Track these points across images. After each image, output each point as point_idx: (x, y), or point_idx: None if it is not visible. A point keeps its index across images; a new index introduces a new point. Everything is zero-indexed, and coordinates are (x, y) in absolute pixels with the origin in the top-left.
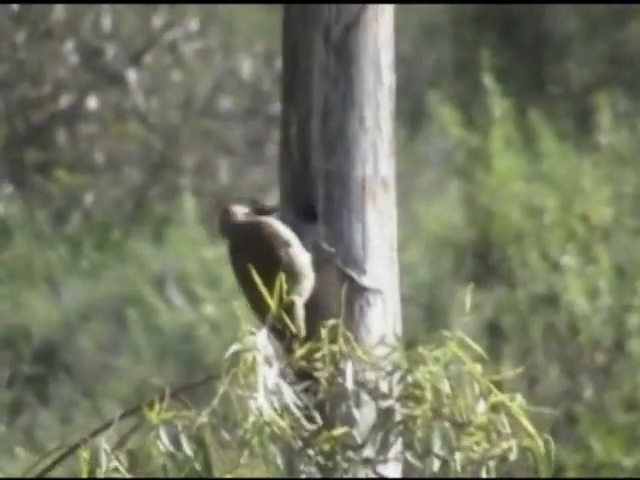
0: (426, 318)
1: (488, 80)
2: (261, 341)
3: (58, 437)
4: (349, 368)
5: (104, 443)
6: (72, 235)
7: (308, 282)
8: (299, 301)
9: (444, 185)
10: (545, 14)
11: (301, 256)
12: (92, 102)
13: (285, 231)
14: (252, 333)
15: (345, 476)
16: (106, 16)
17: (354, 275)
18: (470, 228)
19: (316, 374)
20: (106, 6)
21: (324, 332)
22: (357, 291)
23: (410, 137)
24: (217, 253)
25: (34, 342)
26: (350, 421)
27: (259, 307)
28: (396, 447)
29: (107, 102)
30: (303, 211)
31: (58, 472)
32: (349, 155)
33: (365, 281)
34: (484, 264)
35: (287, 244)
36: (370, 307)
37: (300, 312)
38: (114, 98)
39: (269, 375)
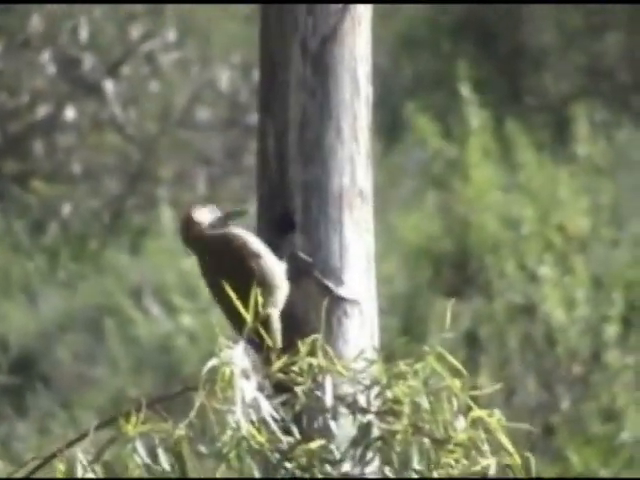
0: (404, 329)
1: (465, 91)
2: (238, 355)
3: (35, 448)
4: (328, 382)
5: (80, 454)
6: (49, 245)
7: (281, 293)
8: (275, 313)
9: (421, 196)
10: (522, 26)
11: (273, 267)
12: (69, 112)
13: (255, 242)
14: (229, 347)
15: None
16: (83, 27)
17: (331, 286)
18: (447, 239)
19: (294, 387)
20: (83, 17)
21: (302, 346)
22: (335, 302)
23: (388, 148)
24: (195, 264)
25: (11, 352)
26: (328, 434)
27: (235, 319)
28: (374, 462)
29: (84, 112)
30: (280, 222)
31: None
32: (326, 166)
33: (343, 292)
34: (461, 275)
35: (258, 255)
36: (348, 318)
37: (276, 324)
38: (91, 108)
39: (247, 388)
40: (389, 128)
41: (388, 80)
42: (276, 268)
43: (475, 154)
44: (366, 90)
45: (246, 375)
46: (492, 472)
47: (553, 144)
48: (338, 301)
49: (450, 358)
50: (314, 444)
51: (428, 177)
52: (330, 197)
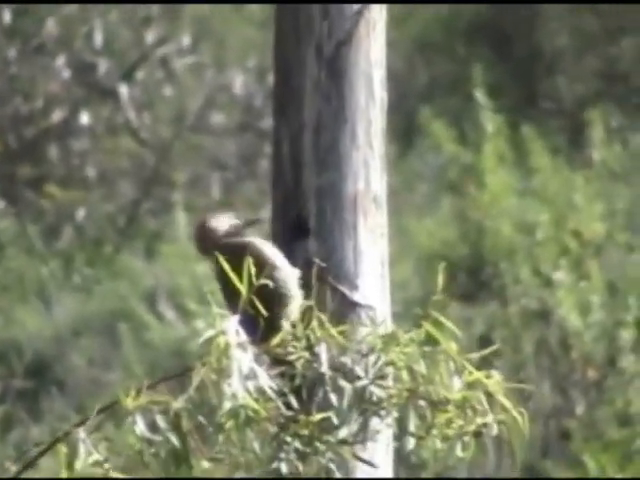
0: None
1: (480, 96)
2: (233, 326)
3: (50, 452)
4: (323, 349)
5: (81, 432)
6: (64, 250)
7: (296, 303)
8: (286, 324)
9: (436, 201)
10: (537, 30)
11: (288, 278)
12: (84, 117)
13: (271, 252)
14: (224, 317)
15: (323, 460)
16: (98, 31)
17: (345, 291)
18: (462, 244)
19: (291, 358)
20: (98, 21)
21: (298, 316)
22: (348, 307)
23: (402, 153)
24: (209, 268)
25: (26, 357)
26: (327, 406)
27: (245, 325)
28: (369, 428)
29: (99, 117)
30: (295, 227)
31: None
32: (341, 171)
33: (356, 297)
34: (476, 280)
35: (273, 266)
36: (362, 323)
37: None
38: (106, 113)
39: (243, 359)
40: (404, 133)
41: (403, 85)
42: (291, 279)
43: (490, 159)
44: (381, 95)
45: (243, 347)
46: (493, 430)
47: (568, 149)
48: (352, 306)
49: (446, 322)
50: (315, 417)
51: (443, 182)
52: (344, 202)
